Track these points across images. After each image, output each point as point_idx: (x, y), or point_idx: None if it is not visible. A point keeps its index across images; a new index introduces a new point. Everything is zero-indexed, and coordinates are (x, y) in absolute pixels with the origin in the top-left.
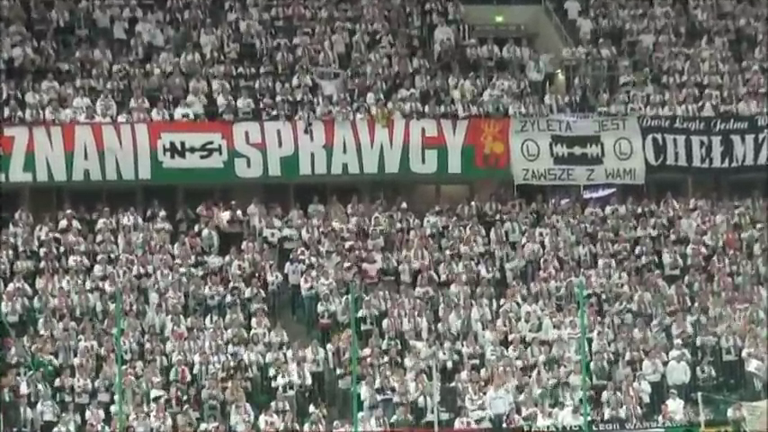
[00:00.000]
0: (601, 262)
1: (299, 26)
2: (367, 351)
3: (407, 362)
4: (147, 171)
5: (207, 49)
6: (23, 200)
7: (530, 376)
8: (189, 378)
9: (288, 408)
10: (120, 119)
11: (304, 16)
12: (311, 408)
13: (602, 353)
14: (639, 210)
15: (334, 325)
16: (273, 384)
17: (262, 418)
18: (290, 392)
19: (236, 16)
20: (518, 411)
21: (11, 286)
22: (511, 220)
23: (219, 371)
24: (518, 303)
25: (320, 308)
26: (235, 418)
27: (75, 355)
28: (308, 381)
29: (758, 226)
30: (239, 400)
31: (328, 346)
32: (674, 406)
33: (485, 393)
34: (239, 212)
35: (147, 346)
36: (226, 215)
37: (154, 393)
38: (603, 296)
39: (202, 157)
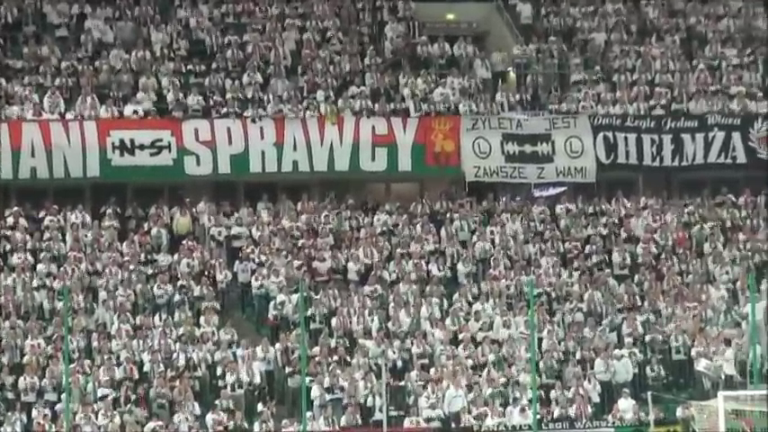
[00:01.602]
0: (551, 260)
1: (250, 23)
2: (316, 350)
3: (356, 360)
4: (95, 168)
5: (157, 47)
6: None
7: (480, 375)
8: (137, 376)
9: (236, 406)
10: (69, 116)
11: (254, 14)
12: (260, 406)
13: (552, 352)
14: (590, 208)
15: (283, 323)
16: (222, 383)
17: (209, 416)
18: (239, 391)
19: (186, 13)
20: (468, 410)
21: None
22: (461, 218)
23: (168, 369)
24: (468, 302)
25: (270, 306)
26: (178, 417)
27: (23, 354)
28: (258, 379)
29: (708, 225)
30: (187, 399)
31: (277, 344)
32: (625, 405)
33: (436, 392)
34: (188, 211)
35: (96, 344)
36: (184, 221)
37: (101, 392)
38: (554, 295)
39: (152, 154)
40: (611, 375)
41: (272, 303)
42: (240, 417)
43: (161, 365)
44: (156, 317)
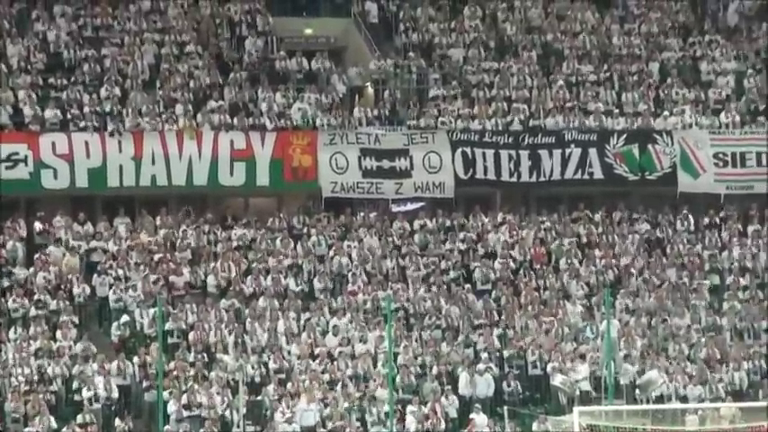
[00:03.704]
0: (409, 275)
1: (108, 37)
2: (173, 364)
3: (214, 375)
4: None
5: (13, 60)
6: None
7: (336, 390)
8: None
9: (93, 420)
10: None
11: (112, 27)
12: (117, 421)
13: (409, 367)
14: (448, 223)
15: (141, 338)
16: (78, 397)
17: (65, 430)
18: (96, 405)
19: (43, 27)
20: (323, 425)
21: None
22: (318, 233)
23: (23, 383)
24: (325, 317)
25: (119, 322)
26: (30, 431)
27: None
28: (115, 393)
29: (564, 240)
30: (42, 414)
31: (135, 358)
32: (480, 420)
33: (293, 406)
34: (44, 224)
35: None
36: (37, 225)
37: None
38: (411, 310)
39: (8, 167)
40: (472, 390)
41: (114, 324)
42: (96, 431)
43: (16, 380)
44: (12, 331)
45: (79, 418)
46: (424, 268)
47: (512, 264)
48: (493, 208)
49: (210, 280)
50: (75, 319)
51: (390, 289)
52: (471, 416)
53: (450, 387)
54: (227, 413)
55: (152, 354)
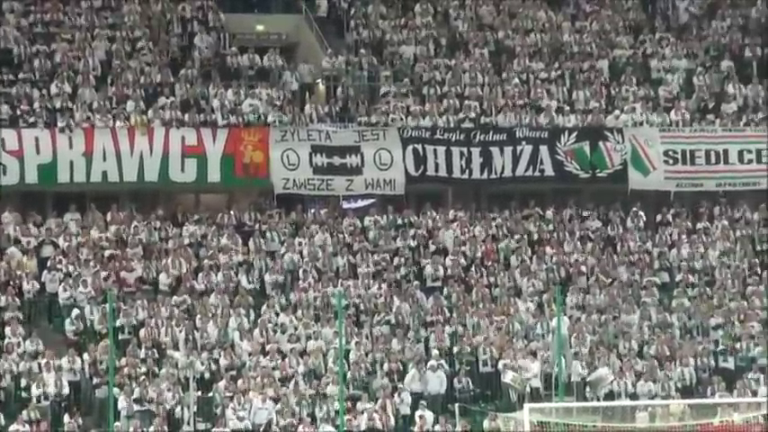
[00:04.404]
0: (360, 272)
1: (59, 33)
2: (124, 361)
3: (165, 371)
4: None
5: None
6: None
7: (287, 387)
8: None
9: (42, 417)
10: None
11: (63, 23)
12: (66, 417)
13: (360, 363)
14: (399, 220)
15: (91, 334)
16: (27, 394)
17: (12, 427)
18: (45, 402)
19: None
20: (276, 422)
21: None
22: (270, 229)
23: None
24: (276, 313)
25: (71, 317)
26: None
27: None
28: (65, 390)
29: (515, 237)
30: None
31: (85, 355)
32: (429, 417)
33: (244, 403)
34: None
35: None
36: None
37: None
38: (362, 307)
39: None
40: (423, 386)
41: (67, 320)
42: (45, 428)
43: None
44: None
45: (27, 415)
46: (375, 265)
47: (463, 261)
48: (444, 205)
49: (162, 277)
50: (23, 316)
51: (341, 285)
52: (418, 413)
53: (402, 384)
54: (178, 410)
55: (102, 350)
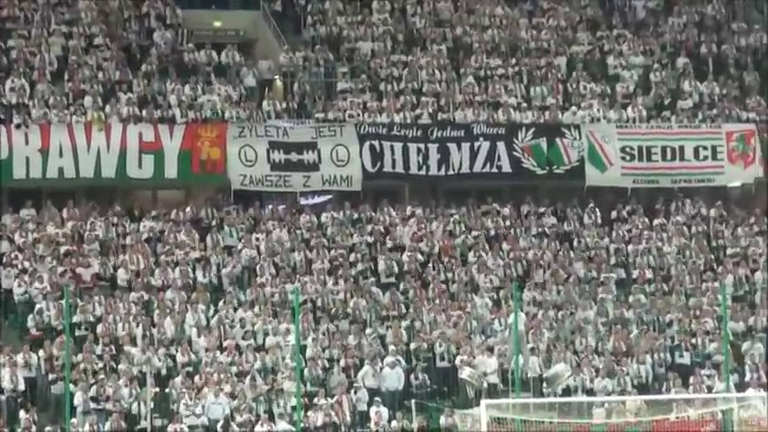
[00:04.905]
0: (316, 268)
1: (14, 29)
2: (81, 357)
3: (121, 367)
4: None
5: None
6: None
7: (244, 382)
8: None
9: None
10: None
11: (19, 19)
12: (22, 413)
13: (317, 359)
14: (356, 216)
15: (48, 330)
16: None
17: None
18: (1, 398)
19: None
20: (232, 418)
21: None
22: (227, 225)
23: None
24: (234, 309)
25: (33, 312)
26: None
27: None
28: (21, 386)
29: (472, 233)
30: None
31: (41, 351)
32: (384, 413)
33: (200, 399)
34: None
35: None
36: None
37: None
38: (319, 302)
39: None
40: (379, 382)
41: (30, 315)
42: (1, 424)
43: None
44: None
45: None
46: (332, 261)
47: (420, 257)
48: (401, 201)
49: (119, 272)
50: None
51: (298, 282)
52: (373, 409)
53: (358, 382)
54: (135, 406)
55: (58, 346)
